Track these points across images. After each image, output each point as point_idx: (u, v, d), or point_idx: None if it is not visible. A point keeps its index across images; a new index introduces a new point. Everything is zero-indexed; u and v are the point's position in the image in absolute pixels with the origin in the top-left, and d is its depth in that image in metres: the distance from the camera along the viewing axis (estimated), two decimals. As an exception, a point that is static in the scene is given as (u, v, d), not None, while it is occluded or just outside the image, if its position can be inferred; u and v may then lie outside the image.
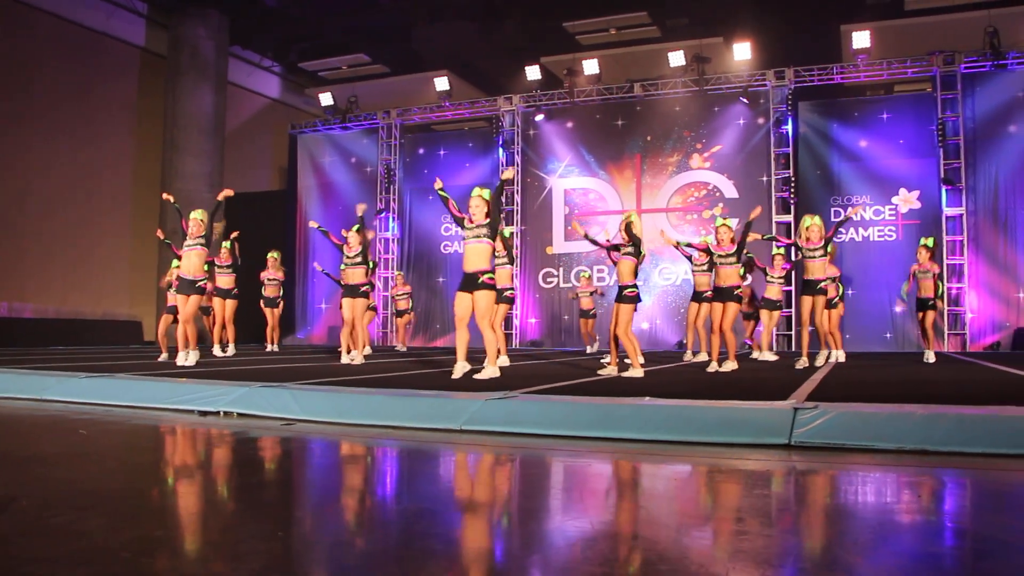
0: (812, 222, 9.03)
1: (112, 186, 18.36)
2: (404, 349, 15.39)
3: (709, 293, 9.37)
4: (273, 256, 13.50)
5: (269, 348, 13.67)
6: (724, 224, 8.63)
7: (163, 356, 10.22)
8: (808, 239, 9.01)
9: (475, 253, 6.97)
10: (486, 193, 7.13)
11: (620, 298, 7.60)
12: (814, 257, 8.98)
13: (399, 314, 16.43)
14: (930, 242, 10.22)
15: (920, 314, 10.44)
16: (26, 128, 16.56)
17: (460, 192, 18.35)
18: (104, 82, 18.28)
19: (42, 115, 16.86)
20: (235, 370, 7.79)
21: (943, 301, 12.31)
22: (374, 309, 16.06)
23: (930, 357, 10.29)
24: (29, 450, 4.13)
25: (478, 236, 6.97)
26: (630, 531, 2.53)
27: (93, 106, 17.92)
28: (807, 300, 9.11)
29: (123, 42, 18.64)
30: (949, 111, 14.98)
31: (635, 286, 7.64)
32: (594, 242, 8.86)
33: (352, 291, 10.04)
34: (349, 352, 10.04)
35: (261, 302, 13.54)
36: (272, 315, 13.63)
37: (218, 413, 5.30)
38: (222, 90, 18.47)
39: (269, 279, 13.39)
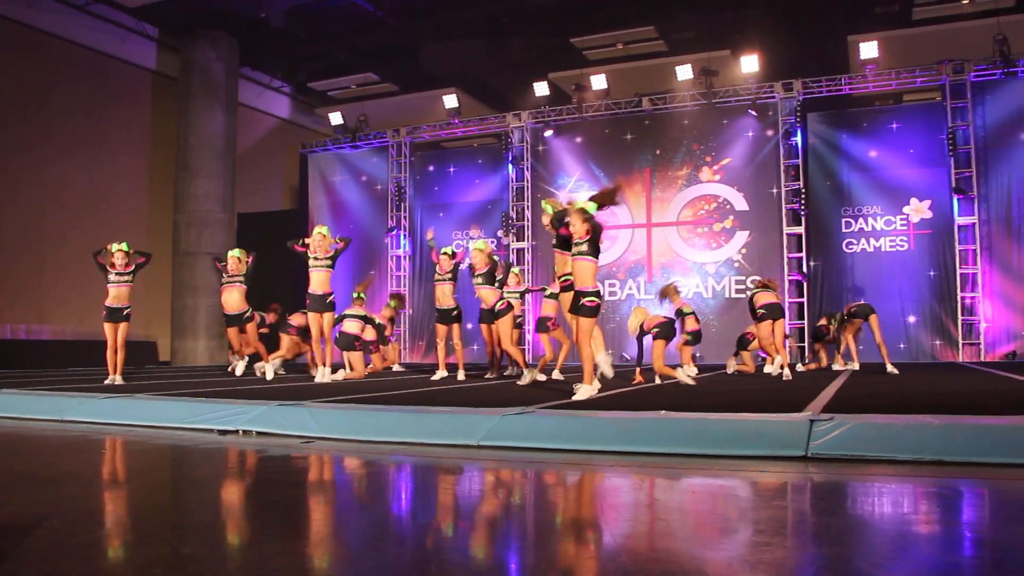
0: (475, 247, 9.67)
1: (127, 207, 18.49)
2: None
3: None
4: (321, 232, 9.53)
5: (319, 377, 9.45)
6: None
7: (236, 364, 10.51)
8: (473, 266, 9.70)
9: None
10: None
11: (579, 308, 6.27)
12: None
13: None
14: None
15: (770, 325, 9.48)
16: (41, 152, 16.72)
17: (471, 208, 18.69)
18: (117, 105, 18.47)
19: (56, 138, 17.02)
20: (253, 389, 7.84)
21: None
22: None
23: (785, 374, 8.97)
24: (54, 470, 4.17)
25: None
26: (649, 544, 2.55)
27: (107, 129, 18.10)
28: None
29: (135, 66, 18.82)
30: (959, 120, 14.94)
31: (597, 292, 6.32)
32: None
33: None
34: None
35: (307, 301, 9.50)
36: (319, 323, 9.49)
37: (237, 432, 5.35)
38: (233, 111, 18.60)
39: (316, 261, 9.43)
